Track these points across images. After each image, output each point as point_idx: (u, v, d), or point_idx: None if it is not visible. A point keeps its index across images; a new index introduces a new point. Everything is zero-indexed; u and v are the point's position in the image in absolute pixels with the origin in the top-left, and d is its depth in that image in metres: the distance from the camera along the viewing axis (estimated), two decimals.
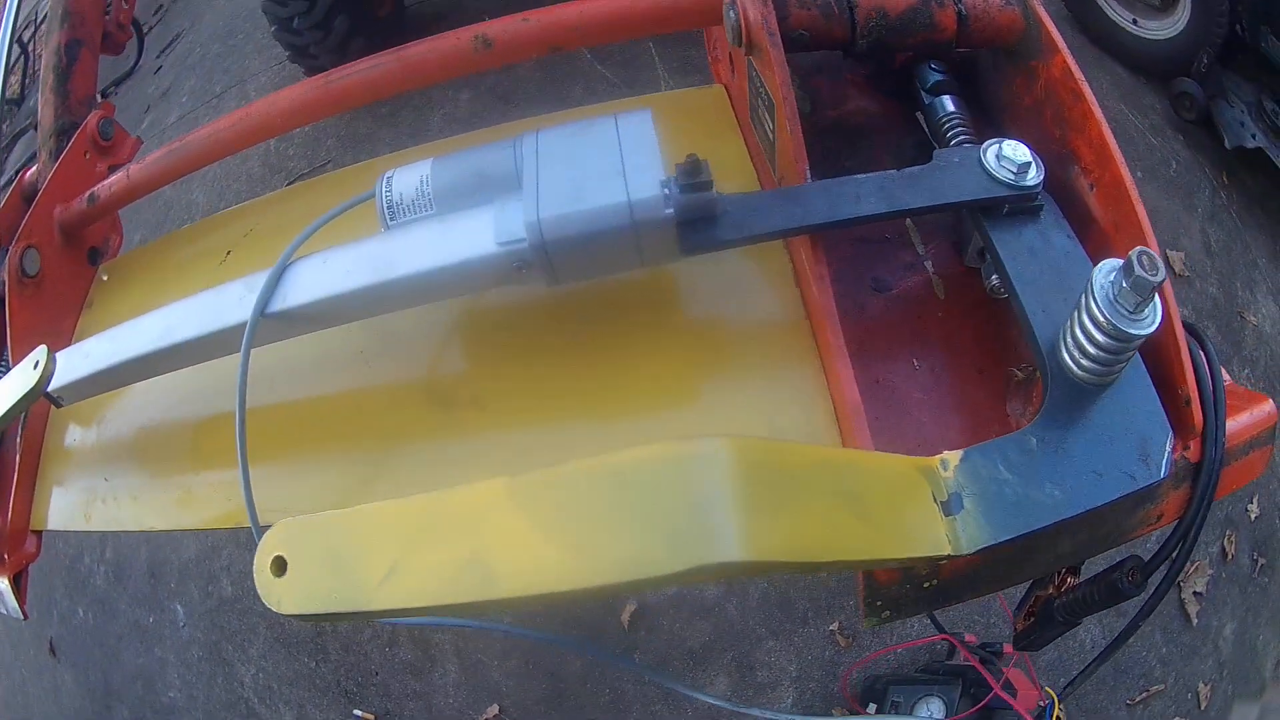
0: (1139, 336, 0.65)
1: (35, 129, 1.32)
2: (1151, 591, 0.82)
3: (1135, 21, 3.25)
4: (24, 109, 4.21)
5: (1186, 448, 0.75)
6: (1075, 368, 0.69)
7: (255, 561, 0.54)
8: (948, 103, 0.96)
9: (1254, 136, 2.91)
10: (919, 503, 0.62)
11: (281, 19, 3.05)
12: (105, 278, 1.23)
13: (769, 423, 0.80)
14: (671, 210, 0.73)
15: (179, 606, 2.77)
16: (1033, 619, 1.01)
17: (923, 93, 0.99)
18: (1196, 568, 2.45)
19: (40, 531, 1.09)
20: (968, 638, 1.81)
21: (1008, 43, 0.92)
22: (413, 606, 0.51)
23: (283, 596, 0.53)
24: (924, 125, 1.00)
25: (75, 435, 1.09)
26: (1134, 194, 0.78)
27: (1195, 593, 2.42)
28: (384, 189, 0.82)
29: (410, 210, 0.81)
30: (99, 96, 1.36)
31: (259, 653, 2.62)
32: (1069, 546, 0.75)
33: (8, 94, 4.28)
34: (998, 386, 0.84)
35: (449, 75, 1.01)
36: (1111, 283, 0.65)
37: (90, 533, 2.82)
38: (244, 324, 0.78)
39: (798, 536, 0.51)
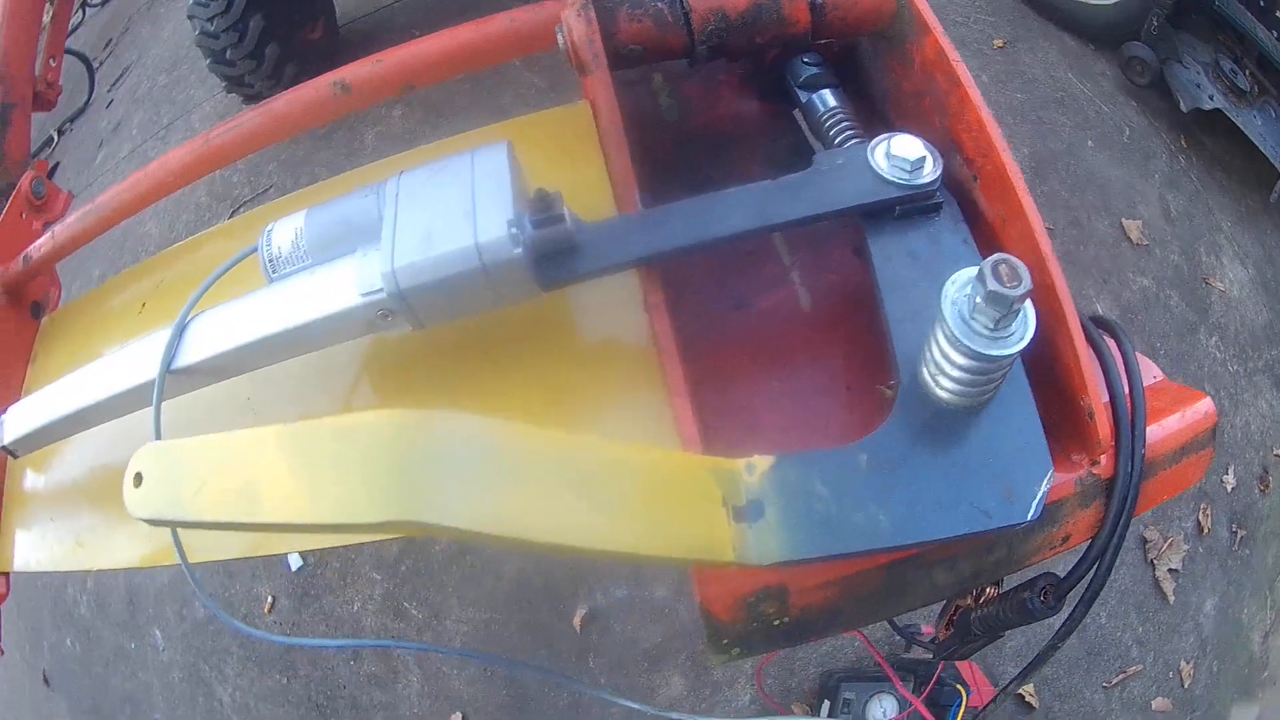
0: (1001, 359, 0.58)
1: None
2: (1068, 615, 0.76)
3: None
4: None
5: (1095, 463, 0.70)
6: (935, 388, 0.63)
7: (125, 475, 0.63)
8: (828, 97, 0.91)
9: (1211, 98, 2.84)
10: (699, 503, 0.59)
11: (215, 51, 3.05)
12: (49, 329, 1.28)
13: None
14: (520, 250, 0.70)
15: (157, 631, 2.81)
16: (952, 630, 0.97)
17: (797, 89, 0.93)
18: (1170, 544, 2.40)
19: (8, 573, 1.14)
20: (925, 629, 1.77)
21: (878, 27, 0.86)
22: (211, 520, 0.59)
23: (136, 504, 0.62)
24: (803, 124, 0.96)
25: (30, 479, 1.15)
26: (1019, 184, 0.73)
27: (1170, 570, 2.36)
28: (265, 243, 0.83)
29: (289, 263, 0.82)
30: (55, 132, 1.43)
31: (234, 671, 2.67)
32: (947, 578, 0.70)
33: None
34: (870, 405, 0.79)
35: (315, 123, 1.05)
36: (966, 297, 0.58)
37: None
38: (153, 381, 0.83)
39: (504, 513, 0.53)
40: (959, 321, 0.58)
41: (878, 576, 0.68)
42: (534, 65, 3.13)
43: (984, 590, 0.89)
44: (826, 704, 1.89)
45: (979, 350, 0.57)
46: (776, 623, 0.67)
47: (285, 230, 0.82)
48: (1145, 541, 2.38)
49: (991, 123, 0.76)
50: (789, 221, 0.72)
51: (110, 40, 4.54)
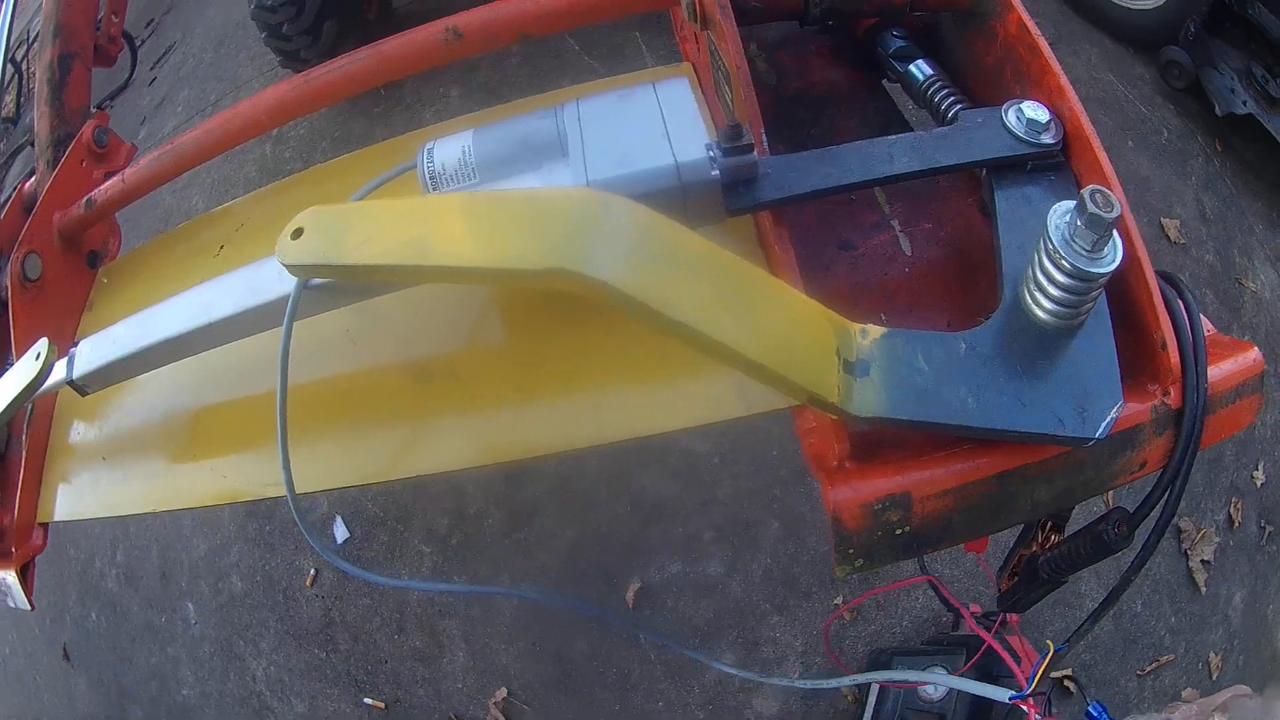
0: (1099, 275, 0.64)
1: (32, 145, 1.36)
2: (1141, 545, 0.81)
3: None
4: (20, 126, 4.26)
5: (1166, 393, 0.75)
6: (1034, 306, 0.69)
7: (282, 231, 0.71)
8: (925, 67, 0.97)
9: (1245, 103, 2.90)
10: (816, 343, 0.66)
11: (271, 25, 3.08)
12: (105, 280, 1.26)
13: (737, 387, 0.81)
14: (717, 172, 0.75)
15: (190, 605, 2.79)
16: (1017, 579, 1.01)
17: (891, 60, 1.00)
18: (1203, 535, 2.43)
19: (47, 524, 1.12)
20: (973, 608, 1.82)
21: (964, 4, 0.93)
22: (369, 264, 0.67)
23: (290, 252, 0.71)
24: (904, 91, 1.01)
25: (80, 429, 1.13)
26: (1095, 142, 0.79)
27: (1203, 561, 2.40)
28: (425, 160, 0.84)
29: (454, 180, 0.83)
30: (93, 108, 1.40)
31: (270, 646, 2.64)
32: (1046, 493, 0.75)
33: (3, 113, 4.35)
34: None
35: (423, 66, 1.04)
36: (1067, 222, 0.65)
37: (99, 525, 2.81)
38: (287, 296, 0.79)
39: (657, 287, 0.60)
40: (1063, 243, 0.65)
41: (989, 488, 0.73)
42: (592, 50, 3.17)
43: (1048, 536, 0.95)
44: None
45: (1080, 267, 0.64)
46: (898, 531, 0.71)
47: (450, 148, 0.83)
48: (1180, 531, 2.41)
49: (1069, 87, 0.82)
50: (944, 166, 0.80)
51: (152, 20, 4.61)
